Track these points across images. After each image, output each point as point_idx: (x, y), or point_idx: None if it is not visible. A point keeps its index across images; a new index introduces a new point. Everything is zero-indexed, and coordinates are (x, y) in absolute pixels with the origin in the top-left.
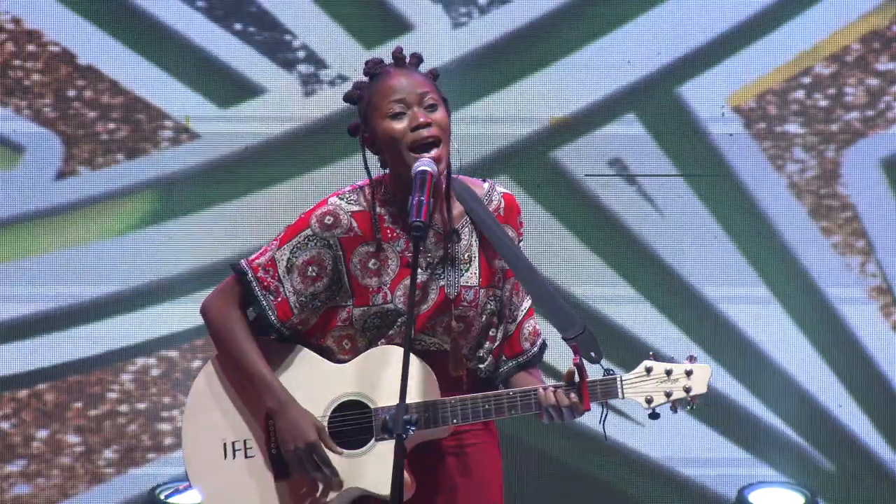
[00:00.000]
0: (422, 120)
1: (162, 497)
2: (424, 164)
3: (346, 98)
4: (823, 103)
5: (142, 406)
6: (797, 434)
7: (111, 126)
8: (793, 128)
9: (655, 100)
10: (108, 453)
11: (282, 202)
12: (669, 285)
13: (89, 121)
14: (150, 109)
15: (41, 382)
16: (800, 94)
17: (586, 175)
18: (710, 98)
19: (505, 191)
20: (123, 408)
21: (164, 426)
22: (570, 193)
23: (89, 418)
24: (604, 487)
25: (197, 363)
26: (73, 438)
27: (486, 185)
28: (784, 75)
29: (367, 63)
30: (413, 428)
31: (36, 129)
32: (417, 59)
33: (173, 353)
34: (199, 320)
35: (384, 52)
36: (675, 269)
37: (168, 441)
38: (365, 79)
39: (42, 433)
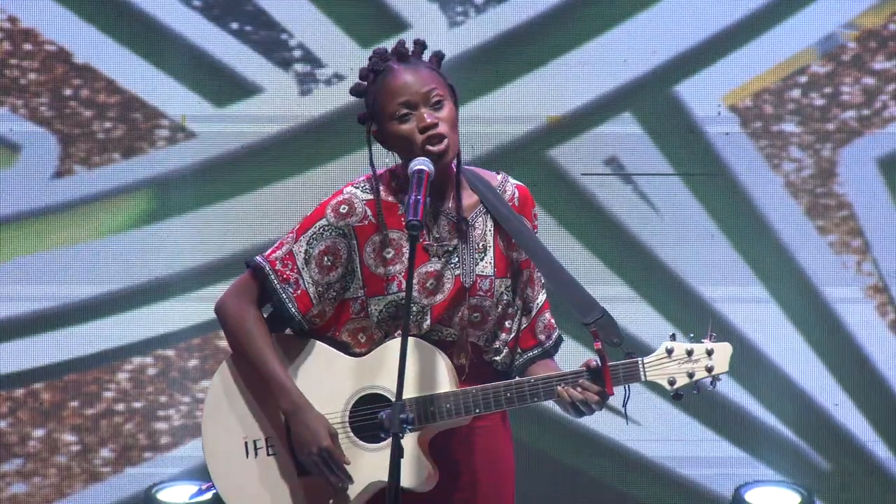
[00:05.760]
0: (428, 121)
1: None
2: (421, 163)
3: (353, 91)
4: (819, 102)
5: (138, 405)
6: (794, 433)
7: (107, 125)
8: (789, 127)
9: (652, 99)
10: (105, 452)
11: (278, 201)
12: (666, 284)
13: (85, 120)
14: (146, 108)
15: (37, 381)
16: (796, 92)
17: (583, 174)
18: (707, 97)
19: (519, 183)
20: (120, 407)
21: (161, 425)
22: (567, 192)
23: (86, 417)
24: (601, 487)
25: (193, 362)
26: (69, 437)
27: (499, 177)
28: (780, 74)
29: (371, 57)
30: (410, 427)
31: (32, 128)
32: (421, 46)
33: (170, 352)
34: (196, 319)
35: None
36: (672, 268)
37: (164, 440)
38: (370, 66)
39: (38, 432)
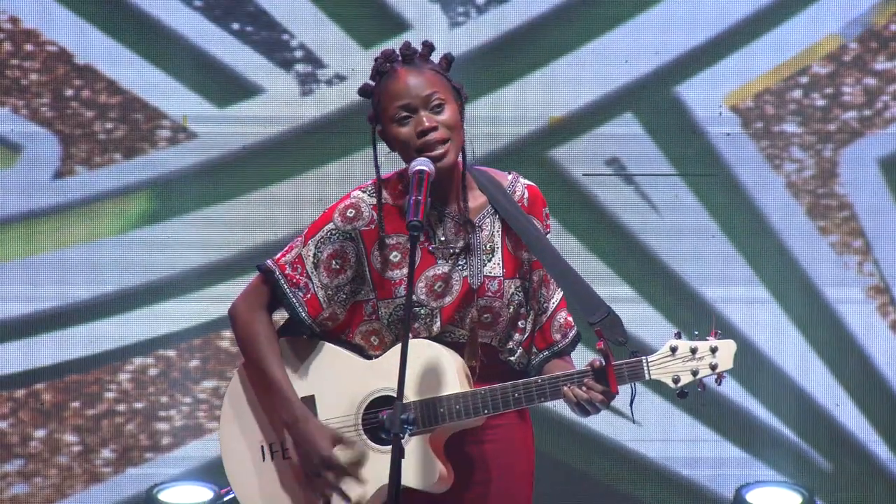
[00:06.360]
0: (426, 125)
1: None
2: (421, 163)
3: (360, 92)
4: (821, 103)
5: (139, 405)
6: (795, 433)
7: (109, 125)
8: (790, 127)
9: (653, 99)
10: (106, 453)
11: (279, 202)
12: (667, 285)
13: (87, 120)
14: (147, 109)
15: (39, 382)
16: (797, 93)
17: (584, 174)
18: (708, 97)
19: (529, 182)
20: (121, 407)
21: (162, 426)
22: (568, 193)
23: (87, 418)
24: (602, 487)
25: (194, 363)
26: (70, 438)
27: (509, 177)
28: (781, 75)
29: (377, 58)
30: (411, 428)
31: (34, 129)
32: (429, 48)
33: (171, 353)
34: (197, 319)
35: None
36: (673, 269)
37: (166, 440)
38: (376, 67)
39: (40, 433)
